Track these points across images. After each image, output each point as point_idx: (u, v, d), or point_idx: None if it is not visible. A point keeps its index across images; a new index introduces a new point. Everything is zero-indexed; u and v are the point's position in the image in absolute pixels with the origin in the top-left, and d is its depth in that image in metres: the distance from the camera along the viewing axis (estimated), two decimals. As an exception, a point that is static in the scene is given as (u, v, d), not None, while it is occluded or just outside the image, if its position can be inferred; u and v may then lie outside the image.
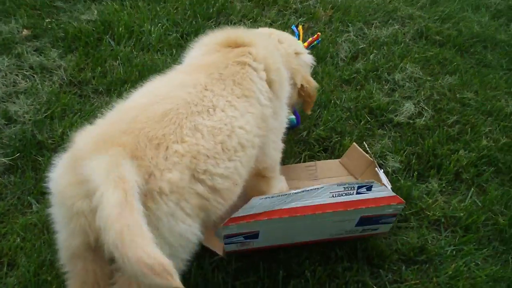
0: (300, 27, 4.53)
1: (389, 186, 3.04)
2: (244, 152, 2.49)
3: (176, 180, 2.19)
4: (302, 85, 3.21)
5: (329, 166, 3.49)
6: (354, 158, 3.41)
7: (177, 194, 2.19)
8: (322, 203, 2.64)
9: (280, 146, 2.98)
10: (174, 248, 2.22)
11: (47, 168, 3.02)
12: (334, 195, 2.64)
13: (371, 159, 3.24)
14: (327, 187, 2.61)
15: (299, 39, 4.44)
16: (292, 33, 4.50)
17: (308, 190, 2.59)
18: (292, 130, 3.71)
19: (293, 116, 3.72)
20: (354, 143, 3.45)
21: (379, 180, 3.01)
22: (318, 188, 2.60)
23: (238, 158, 2.46)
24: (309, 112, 3.48)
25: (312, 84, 3.28)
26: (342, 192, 2.65)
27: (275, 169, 3.00)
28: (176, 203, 2.19)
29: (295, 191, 2.58)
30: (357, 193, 2.67)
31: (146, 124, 2.28)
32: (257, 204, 2.56)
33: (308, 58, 3.37)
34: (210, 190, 2.33)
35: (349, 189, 2.65)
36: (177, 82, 2.59)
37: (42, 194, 3.11)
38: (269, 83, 2.77)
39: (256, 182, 2.91)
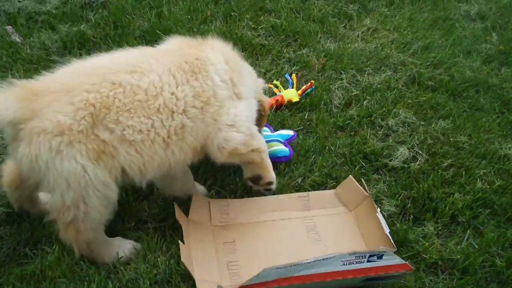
0: (293, 75, 4.60)
1: (387, 230, 3.05)
2: (170, 115, 2.86)
3: (67, 123, 2.59)
4: (259, 100, 3.49)
5: (322, 197, 3.54)
6: (349, 190, 3.47)
7: (68, 136, 2.60)
8: (332, 270, 2.65)
9: (253, 128, 3.28)
10: (75, 189, 2.68)
11: (42, 218, 3.06)
12: (345, 263, 2.66)
13: (367, 193, 3.26)
14: (339, 256, 2.65)
15: (292, 87, 4.52)
16: (286, 81, 4.57)
17: (320, 260, 2.63)
18: (285, 163, 3.80)
19: (285, 148, 3.77)
20: (350, 175, 3.51)
21: (379, 223, 3.03)
22: (329, 258, 2.63)
23: (159, 118, 2.82)
24: (261, 129, 3.73)
25: (266, 100, 3.68)
26: (353, 261, 2.66)
27: (253, 144, 3.27)
28: (67, 143, 2.60)
29: (306, 261, 2.62)
30: (368, 261, 2.68)
31: (73, 74, 2.76)
32: (267, 274, 2.61)
33: (261, 82, 3.75)
34: (118, 139, 2.71)
35: (360, 257, 2.67)
36: (129, 53, 3.04)
37: (37, 244, 3.12)
38: (228, 72, 3.18)
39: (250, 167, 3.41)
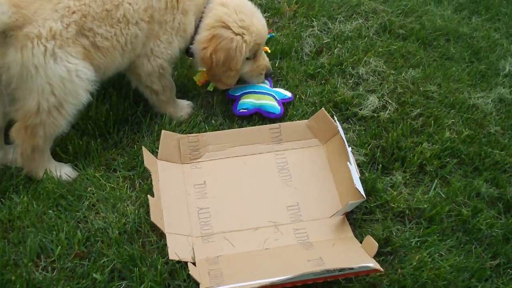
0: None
1: (358, 175, 3.07)
2: (126, 25, 3.18)
3: (58, 30, 2.89)
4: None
5: (294, 128, 3.54)
6: (321, 122, 3.48)
7: (60, 41, 2.90)
8: (303, 279, 2.65)
9: (167, 68, 3.58)
10: (58, 94, 2.96)
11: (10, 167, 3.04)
12: (316, 275, 2.65)
13: (338, 129, 3.31)
14: (311, 274, 2.62)
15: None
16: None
17: (291, 277, 2.58)
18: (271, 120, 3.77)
19: (277, 106, 3.74)
20: (323, 108, 3.54)
21: (349, 172, 3.03)
22: (302, 275, 2.60)
23: (119, 27, 3.15)
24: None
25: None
26: (324, 272, 2.65)
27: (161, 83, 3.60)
28: (59, 46, 2.90)
29: (278, 279, 2.57)
30: (340, 271, 2.67)
31: None
32: None
33: None
34: (92, 45, 3.07)
35: (332, 271, 2.65)
36: None
37: (5, 193, 3.09)
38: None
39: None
